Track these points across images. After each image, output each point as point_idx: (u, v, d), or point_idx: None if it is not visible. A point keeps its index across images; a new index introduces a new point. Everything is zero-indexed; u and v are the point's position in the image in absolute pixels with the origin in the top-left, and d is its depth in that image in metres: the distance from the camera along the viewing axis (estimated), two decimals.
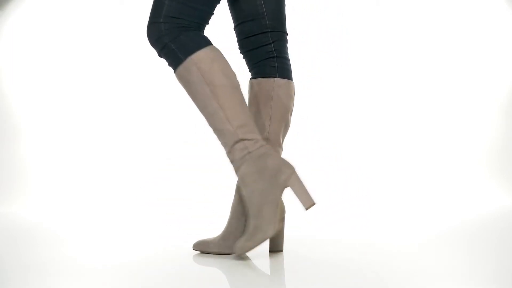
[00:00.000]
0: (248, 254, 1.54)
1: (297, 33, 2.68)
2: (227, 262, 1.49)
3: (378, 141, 2.76)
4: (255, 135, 1.44)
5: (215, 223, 1.85)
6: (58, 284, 1.35)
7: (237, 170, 1.45)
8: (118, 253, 1.65)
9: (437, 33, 2.80)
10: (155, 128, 2.75)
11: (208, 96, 1.44)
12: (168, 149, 2.73)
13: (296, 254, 1.57)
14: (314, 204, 1.42)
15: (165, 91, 2.75)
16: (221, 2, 1.53)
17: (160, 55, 1.50)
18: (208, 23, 1.52)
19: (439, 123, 2.77)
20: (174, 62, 1.47)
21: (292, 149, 2.66)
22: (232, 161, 1.46)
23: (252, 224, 1.42)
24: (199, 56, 1.44)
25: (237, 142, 1.43)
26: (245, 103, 1.48)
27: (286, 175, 1.42)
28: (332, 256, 1.54)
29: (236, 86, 1.47)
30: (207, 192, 2.57)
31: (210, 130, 1.50)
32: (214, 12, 1.52)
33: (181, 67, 1.46)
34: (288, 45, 1.64)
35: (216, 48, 1.48)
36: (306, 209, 1.43)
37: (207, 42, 1.47)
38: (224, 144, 1.47)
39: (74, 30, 2.80)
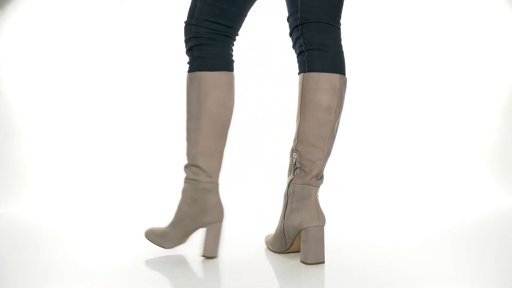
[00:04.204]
0: (245, 258, 1.54)
1: None
2: (224, 267, 1.49)
3: (378, 141, 2.76)
4: (211, 172, 1.53)
5: None
6: (58, 284, 1.35)
7: (184, 181, 1.56)
8: (118, 254, 1.65)
9: (437, 33, 2.80)
10: (155, 128, 2.75)
11: (195, 113, 1.53)
12: (168, 149, 2.73)
13: (293, 254, 1.57)
14: (214, 257, 1.52)
15: (166, 91, 2.75)
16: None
17: (186, 54, 1.57)
18: (240, 27, 1.55)
19: (439, 123, 2.77)
20: (189, 67, 1.56)
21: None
22: (184, 171, 1.57)
23: (166, 229, 1.58)
24: (207, 76, 1.51)
25: (192, 165, 1.54)
26: (223, 138, 1.55)
27: (211, 219, 1.51)
28: (331, 255, 1.54)
29: (222, 119, 1.53)
30: None
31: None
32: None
33: (189, 75, 1.54)
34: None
35: (229, 77, 1.53)
36: (203, 256, 1.52)
37: (226, 66, 1.53)
38: (186, 155, 1.58)
39: (74, 30, 2.80)
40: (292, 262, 1.49)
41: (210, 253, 1.51)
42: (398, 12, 2.80)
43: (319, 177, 1.51)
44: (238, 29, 1.56)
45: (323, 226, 1.46)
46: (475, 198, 2.54)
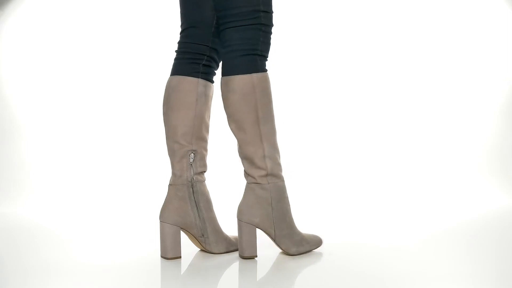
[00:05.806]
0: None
1: (295, 31, 2.67)
2: (223, 266, 1.49)
3: (378, 141, 2.76)
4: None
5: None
6: (58, 284, 1.35)
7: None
8: (118, 253, 1.65)
9: (437, 33, 2.80)
10: (155, 128, 2.75)
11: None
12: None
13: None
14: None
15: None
16: None
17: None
18: (198, 25, 1.61)
19: (439, 123, 2.77)
20: None
21: (291, 149, 2.65)
22: None
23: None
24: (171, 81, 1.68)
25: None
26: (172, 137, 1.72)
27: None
28: (331, 256, 1.54)
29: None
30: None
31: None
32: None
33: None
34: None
35: (178, 80, 1.66)
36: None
37: (178, 71, 1.69)
38: None
39: (74, 30, 2.80)
40: (291, 262, 1.49)
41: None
42: (398, 12, 2.80)
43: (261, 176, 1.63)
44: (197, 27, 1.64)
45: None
46: (475, 198, 2.54)
